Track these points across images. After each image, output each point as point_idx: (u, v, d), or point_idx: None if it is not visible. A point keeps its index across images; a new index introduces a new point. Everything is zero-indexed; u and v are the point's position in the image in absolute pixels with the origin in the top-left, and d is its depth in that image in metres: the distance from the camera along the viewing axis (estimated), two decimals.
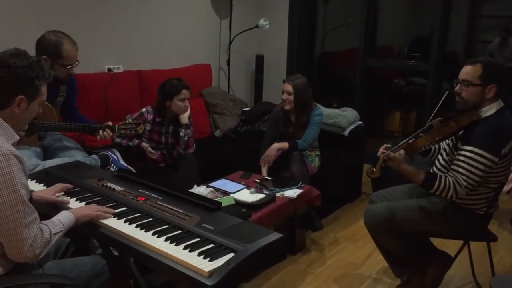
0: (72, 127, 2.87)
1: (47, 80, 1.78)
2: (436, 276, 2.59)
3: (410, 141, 2.36)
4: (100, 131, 2.87)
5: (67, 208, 1.94)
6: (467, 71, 2.34)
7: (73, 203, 2.06)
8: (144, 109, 3.31)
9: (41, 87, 1.75)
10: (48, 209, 2.01)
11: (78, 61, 2.81)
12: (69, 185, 2.15)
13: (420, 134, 2.36)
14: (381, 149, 2.41)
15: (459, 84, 2.37)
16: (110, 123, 2.94)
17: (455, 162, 2.30)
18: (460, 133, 2.38)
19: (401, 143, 2.38)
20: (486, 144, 2.23)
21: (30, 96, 1.72)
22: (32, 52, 2.73)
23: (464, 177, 2.25)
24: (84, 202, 2.05)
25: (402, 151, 2.38)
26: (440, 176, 2.29)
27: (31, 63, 1.71)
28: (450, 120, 2.33)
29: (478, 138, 2.25)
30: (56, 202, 2.04)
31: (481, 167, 2.23)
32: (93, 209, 1.91)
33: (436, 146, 2.63)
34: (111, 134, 2.90)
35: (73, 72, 2.82)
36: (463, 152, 2.27)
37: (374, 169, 2.36)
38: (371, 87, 5.27)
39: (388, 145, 2.42)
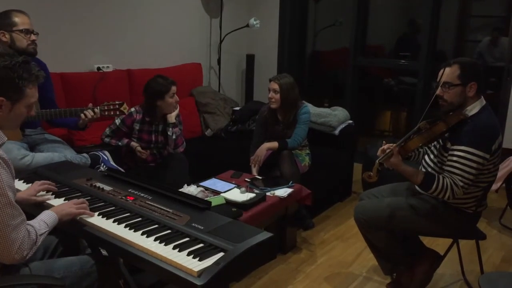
0: (52, 113, 2.82)
1: (33, 82, 1.73)
2: (425, 274, 2.60)
3: (402, 144, 2.37)
4: (82, 114, 2.83)
5: (50, 207, 1.93)
6: (446, 74, 2.36)
7: (52, 200, 2.06)
8: (132, 109, 3.28)
9: (25, 88, 1.70)
10: (31, 208, 1.99)
11: (37, 32, 2.79)
12: (54, 187, 2.13)
13: (411, 137, 2.37)
14: (379, 152, 2.42)
15: (440, 87, 2.39)
16: (91, 105, 2.89)
17: (449, 163, 2.31)
18: (447, 133, 2.40)
19: (395, 145, 2.39)
20: (477, 142, 2.24)
21: (12, 98, 1.68)
22: None
23: (460, 177, 2.26)
24: (63, 198, 2.05)
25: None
26: (439, 177, 2.30)
27: (14, 64, 1.66)
28: (438, 121, 2.35)
29: (468, 137, 2.26)
30: (38, 202, 2.03)
31: (474, 165, 2.25)
32: (74, 206, 1.90)
33: (417, 151, 2.65)
34: (93, 114, 2.84)
35: (35, 39, 2.78)
36: (455, 153, 2.29)
37: (371, 174, 2.38)
38: (362, 87, 5.29)
39: (385, 147, 2.41)
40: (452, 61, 2.37)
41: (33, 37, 2.78)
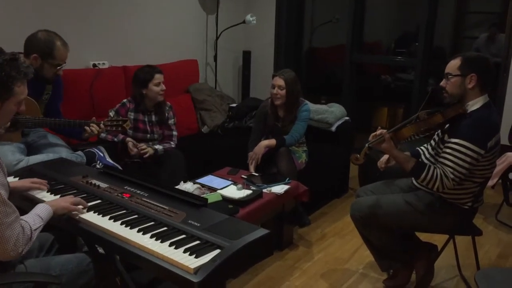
0: (56, 123, 2.82)
1: (22, 79, 1.72)
2: (425, 268, 2.61)
3: (396, 130, 2.41)
4: (87, 127, 2.82)
5: (41, 201, 1.92)
6: (449, 65, 2.40)
7: (47, 197, 2.05)
8: (125, 100, 3.35)
9: (13, 87, 1.69)
10: (22, 203, 1.99)
11: (65, 62, 2.80)
12: (46, 186, 2.14)
13: (406, 124, 2.40)
14: (371, 136, 2.47)
15: (443, 79, 2.41)
16: (94, 119, 2.89)
17: (442, 154, 2.32)
18: (446, 126, 2.41)
19: (388, 131, 2.43)
20: (473, 136, 2.25)
21: (1, 97, 1.67)
22: (15, 46, 2.70)
23: (451, 170, 2.26)
24: (59, 195, 2.04)
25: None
26: (429, 166, 2.32)
27: (1, 62, 1.65)
28: (436, 112, 2.37)
29: (464, 131, 2.27)
30: (31, 188, 2.06)
31: (468, 159, 2.25)
32: (70, 201, 1.90)
33: (425, 149, 2.66)
34: (98, 129, 2.84)
35: (61, 73, 2.81)
36: (449, 145, 2.29)
37: (358, 156, 2.47)
38: (359, 83, 5.29)
39: (377, 133, 2.46)
40: (459, 54, 2.41)
41: (60, 72, 2.79)
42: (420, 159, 2.55)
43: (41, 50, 2.68)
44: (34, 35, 2.72)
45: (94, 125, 2.83)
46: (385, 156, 2.63)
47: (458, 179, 2.28)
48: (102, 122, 2.87)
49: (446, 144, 2.32)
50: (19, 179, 2.25)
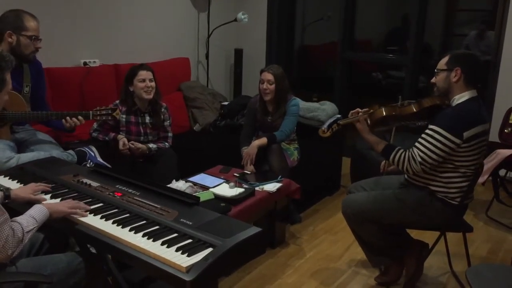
0: (44, 116, 2.80)
1: (9, 68, 1.75)
2: (416, 265, 2.62)
3: (371, 113, 2.51)
4: (68, 119, 2.80)
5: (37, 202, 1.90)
6: (439, 62, 2.46)
7: (48, 200, 2.01)
8: (117, 101, 3.31)
9: (5, 77, 1.73)
10: (24, 207, 1.96)
11: (41, 38, 2.78)
12: (49, 188, 2.11)
13: (381, 106, 2.50)
14: (349, 114, 2.62)
15: (434, 76, 2.47)
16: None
17: (418, 139, 2.39)
18: (423, 118, 2.48)
19: (364, 113, 2.54)
20: (448, 124, 2.29)
21: None
22: None
23: (420, 153, 2.32)
24: (59, 199, 2.02)
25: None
26: (398, 149, 2.42)
27: None
28: (411, 103, 2.44)
29: (442, 119, 2.33)
30: (33, 200, 2.00)
31: (439, 145, 2.29)
32: (68, 205, 1.88)
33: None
34: (81, 120, 2.82)
35: (40, 46, 2.78)
36: (425, 131, 2.37)
37: (325, 129, 2.60)
38: (351, 81, 5.30)
39: (354, 111, 2.60)
40: (449, 52, 2.48)
41: (39, 44, 2.76)
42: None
43: (12, 25, 2.68)
44: (1, 16, 2.72)
45: (74, 119, 2.81)
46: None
47: (426, 163, 2.33)
48: (91, 111, 2.84)
49: (424, 131, 2.38)
50: (9, 178, 2.24)
